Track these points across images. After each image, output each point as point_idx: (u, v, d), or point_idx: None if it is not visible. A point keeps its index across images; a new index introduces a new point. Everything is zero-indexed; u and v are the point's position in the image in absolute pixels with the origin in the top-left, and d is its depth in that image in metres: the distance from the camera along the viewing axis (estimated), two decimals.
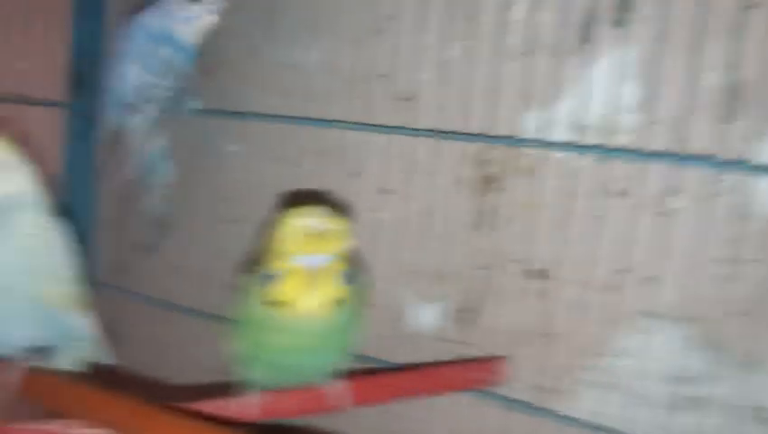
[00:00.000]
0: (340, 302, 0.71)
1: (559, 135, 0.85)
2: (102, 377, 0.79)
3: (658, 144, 0.80)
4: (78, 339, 0.82)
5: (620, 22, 0.81)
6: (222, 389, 0.76)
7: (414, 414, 0.96)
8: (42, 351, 0.77)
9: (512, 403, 0.89)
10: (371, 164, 1.00)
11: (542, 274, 0.88)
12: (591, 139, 0.83)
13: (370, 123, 0.99)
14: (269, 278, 0.70)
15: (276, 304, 0.70)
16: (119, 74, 1.07)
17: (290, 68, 1.06)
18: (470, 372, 0.85)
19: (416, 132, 0.95)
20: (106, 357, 0.87)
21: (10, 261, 0.72)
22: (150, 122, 1.10)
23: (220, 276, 1.15)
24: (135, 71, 1.06)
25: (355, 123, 1.00)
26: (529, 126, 0.88)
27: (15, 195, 0.73)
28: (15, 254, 0.72)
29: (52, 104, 1.20)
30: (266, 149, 1.09)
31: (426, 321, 0.97)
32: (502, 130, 0.89)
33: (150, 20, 1.04)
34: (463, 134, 0.91)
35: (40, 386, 0.72)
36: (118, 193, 1.29)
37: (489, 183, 0.91)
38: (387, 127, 0.98)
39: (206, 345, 1.17)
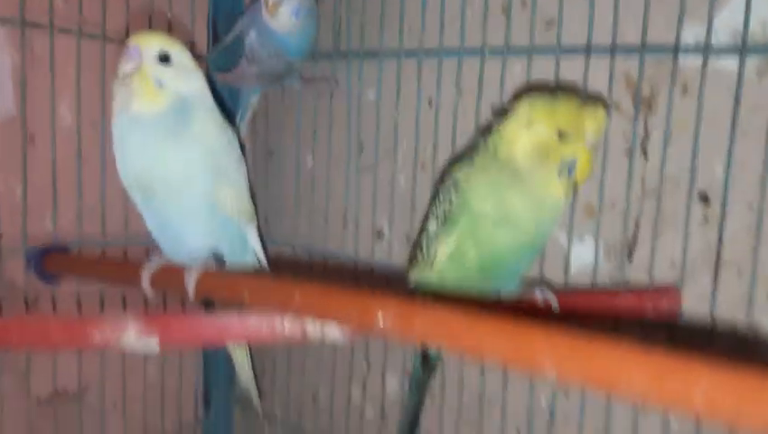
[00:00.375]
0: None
1: (720, 44, 0.81)
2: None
3: None
4: (245, 251, 0.85)
5: None
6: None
7: None
8: (215, 257, 0.80)
9: (683, 333, 0.85)
10: (512, 93, 0.98)
11: (708, 198, 0.84)
12: (755, 47, 0.79)
13: (510, 48, 0.98)
14: (571, 163, 0.70)
15: (573, 188, 0.71)
16: (247, 32, 1.11)
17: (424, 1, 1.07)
18: (648, 300, 0.82)
19: (560, 52, 0.93)
20: (265, 269, 0.89)
21: (190, 157, 0.75)
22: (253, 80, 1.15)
23: (361, 221, 1.17)
24: (253, 37, 1.10)
25: (492, 48, 0.99)
26: (688, 37, 0.84)
27: (195, 96, 0.76)
28: (195, 150, 0.75)
29: (194, 56, 1.25)
30: (403, 91, 1.10)
31: (579, 257, 0.94)
32: (658, 43, 0.85)
33: (256, 5, 1.08)
34: (615, 49, 0.88)
35: (220, 282, 0.74)
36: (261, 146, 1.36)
37: (643, 103, 0.88)
38: (527, 50, 0.96)
39: (349, 284, 1.18)
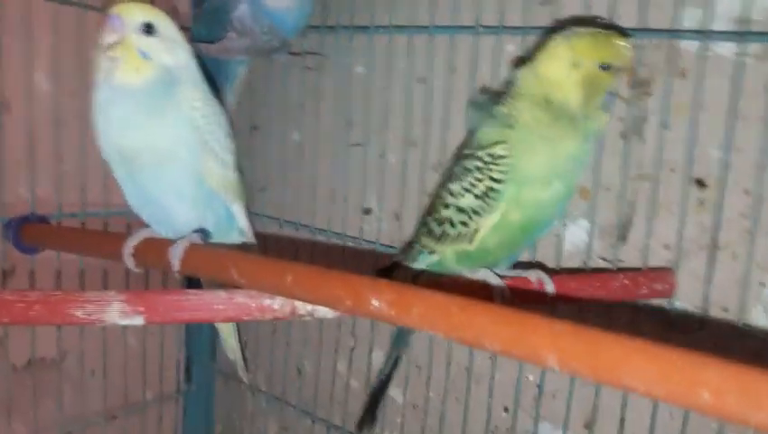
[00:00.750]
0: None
1: (720, 29, 0.80)
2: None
3: None
4: (232, 228, 0.83)
5: None
6: None
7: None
8: (201, 232, 0.77)
9: (676, 316, 0.84)
10: (505, 74, 0.95)
11: (704, 182, 0.83)
12: (756, 33, 0.77)
13: (504, 26, 0.95)
14: (613, 92, 0.72)
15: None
16: (235, 4, 1.07)
17: None
18: (642, 282, 0.81)
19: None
20: (252, 246, 0.87)
21: (175, 130, 0.72)
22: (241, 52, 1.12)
23: (349, 198, 1.15)
24: (244, 10, 1.06)
25: (486, 26, 0.96)
26: (687, 21, 0.82)
27: (181, 67, 0.74)
28: (180, 123, 0.72)
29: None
30: (393, 67, 1.07)
31: (573, 239, 0.93)
32: (657, 26, 0.83)
33: None
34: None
35: (206, 258, 0.72)
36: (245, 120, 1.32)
37: (640, 86, 0.86)
38: (522, 28, 0.93)
39: (336, 261, 1.17)
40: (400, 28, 1.05)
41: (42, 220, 1.01)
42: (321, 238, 1.19)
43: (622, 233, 0.89)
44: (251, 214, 1.18)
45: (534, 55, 0.74)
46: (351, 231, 1.16)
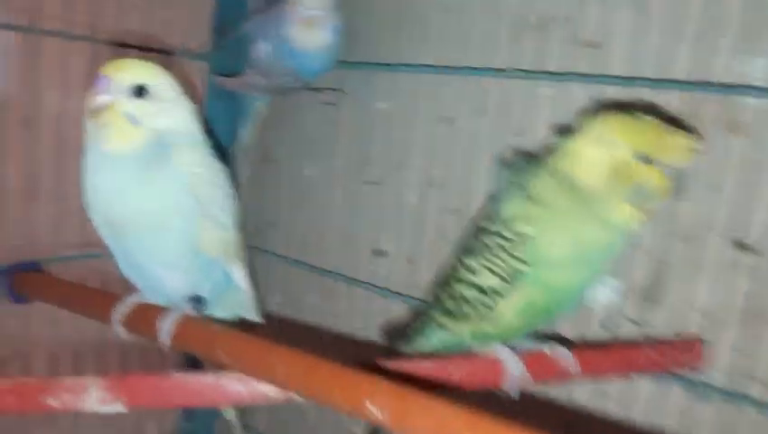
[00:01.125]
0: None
1: None
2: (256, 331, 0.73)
3: None
4: (231, 291, 0.77)
5: None
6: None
7: (593, 396, 0.86)
8: (195, 300, 0.72)
9: (708, 390, 0.78)
10: (540, 119, 0.89)
11: (754, 247, 0.75)
12: None
13: (542, 71, 0.88)
14: (645, 189, 0.63)
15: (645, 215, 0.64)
16: (254, 42, 1.02)
17: (447, 12, 0.97)
18: (668, 354, 0.75)
19: (601, 80, 0.83)
20: (256, 314, 0.82)
21: (168, 198, 0.66)
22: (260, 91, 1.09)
23: (361, 238, 1.09)
24: (264, 50, 1.01)
25: (523, 71, 0.90)
26: (753, 72, 0.74)
27: (177, 129, 0.68)
28: (174, 190, 0.66)
29: (195, 56, 1.16)
30: (417, 105, 1.01)
31: (603, 299, 0.86)
32: (716, 78, 0.76)
33: (276, 19, 0.98)
34: (668, 81, 0.79)
35: (195, 335, 0.67)
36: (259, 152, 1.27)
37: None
38: (563, 74, 0.86)
39: (345, 308, 1.12)
40: (426, 67, 0.99)
41: (35, 268, 0.96)
42: (329, 279, 1.14)
43: (654, 295, 0.82)
44: (258, 250, 1.12)
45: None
46: (361, 274, 1.10)
